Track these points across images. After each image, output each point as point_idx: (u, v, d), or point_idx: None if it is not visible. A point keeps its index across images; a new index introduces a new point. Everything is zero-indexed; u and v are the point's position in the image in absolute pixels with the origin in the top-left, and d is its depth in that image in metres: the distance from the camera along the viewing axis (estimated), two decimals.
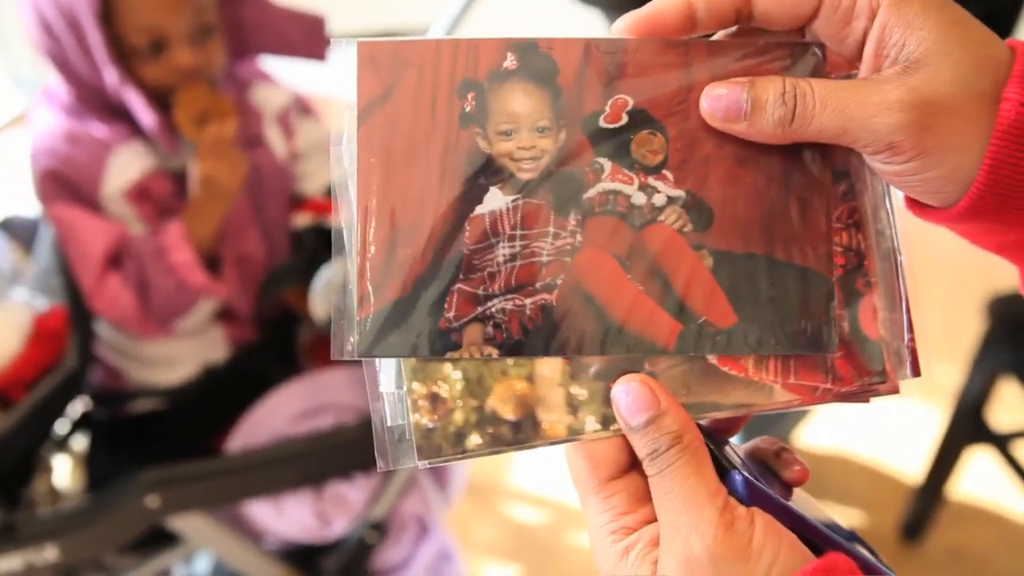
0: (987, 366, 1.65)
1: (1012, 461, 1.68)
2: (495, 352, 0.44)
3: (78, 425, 1.39)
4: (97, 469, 1.34)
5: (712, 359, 0.45)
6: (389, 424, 0.45)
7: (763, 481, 0.43)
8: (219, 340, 1.39)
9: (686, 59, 0.45)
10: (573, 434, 0.45)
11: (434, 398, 0.44)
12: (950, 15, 0.41)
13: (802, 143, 0.44)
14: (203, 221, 1.27)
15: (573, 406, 0.45)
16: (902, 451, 2.10)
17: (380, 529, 1.33)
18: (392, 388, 0.45)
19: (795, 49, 0.45)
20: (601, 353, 0.44)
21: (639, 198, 0.45)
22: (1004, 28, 1.35)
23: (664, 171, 0.45)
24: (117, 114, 1.27)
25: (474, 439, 0.44)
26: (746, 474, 0.43)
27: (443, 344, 0.44)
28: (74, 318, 1.25)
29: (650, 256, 0.45)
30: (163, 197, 1.30)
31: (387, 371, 0.45)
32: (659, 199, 0.45)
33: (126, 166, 1.27)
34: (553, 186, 0.44)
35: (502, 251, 0.44)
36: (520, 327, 0.44)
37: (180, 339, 1.36)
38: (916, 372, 0.46)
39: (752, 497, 0.42)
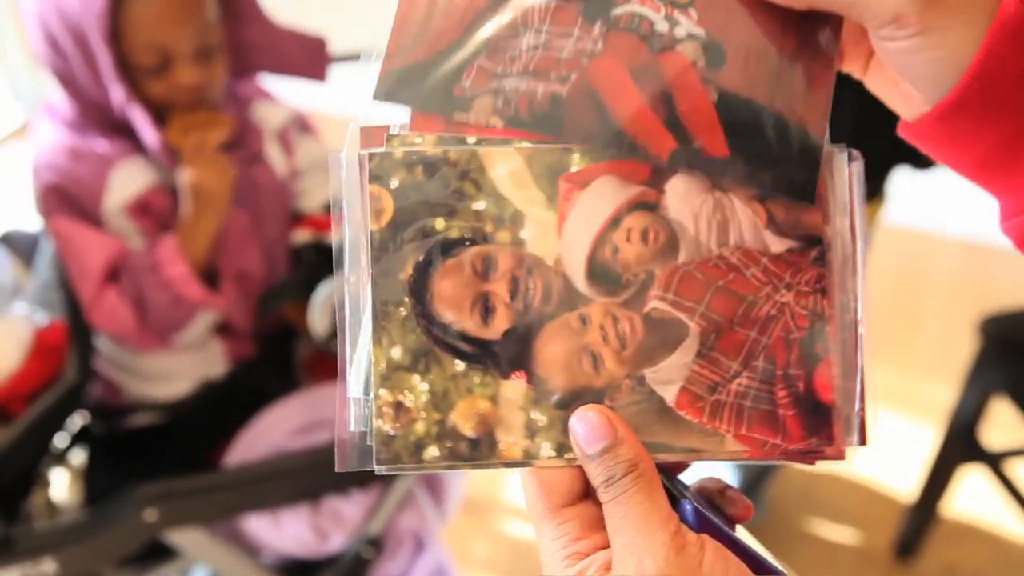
0: (980, 385, 1.66)
1: (1005, 479, 1.68)
2: (500, 124, 0.46)
3: (76, 439, 1.40)
4: (95, 483, 1.34)
5: (669, 402, 0.46)
6: (351, 429, 0.45)
7: (712, 512, 0.45)
8: (218, 355, 1.39)
9: None
10: (528, 458, 0.45)
11: (398, 407, 0.45)
12: None
13: (818, 24, 0.46)
14: (196, 233, 1.27)
15: (532, 431, 0.45)
16: (896, 469, 2.11)
17: (376, 544, 1.34)
18: (359, 394, 0.46)
19: None
20: (600, 149, 0.45)
21: (662, 26, 0.46)
22: None
23: (690, 9, 0.46)
24: (119, 130, 1.28)
25: (432, 451, 0.45)
26: (696, 504, 0.44)
27: (454, 105, 0.46)
28: (74, 332, 1.26)
29: (661, 77, 0.46)
30: (163, 212, 1.31)
31: (357, 376, 0.46)
32: (680, 31, 0.46)
33: (127, 181, 1.28)
34: None
35: (527, 40, 0.46)
36: (528, 109, 0.45)
37: (179, 354, 1.36)
38: (863, 441, 0.47)
39: (701, 525, 0.43)
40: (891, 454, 2.16)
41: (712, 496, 0.48)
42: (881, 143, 1.42)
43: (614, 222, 0.46)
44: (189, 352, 1.37)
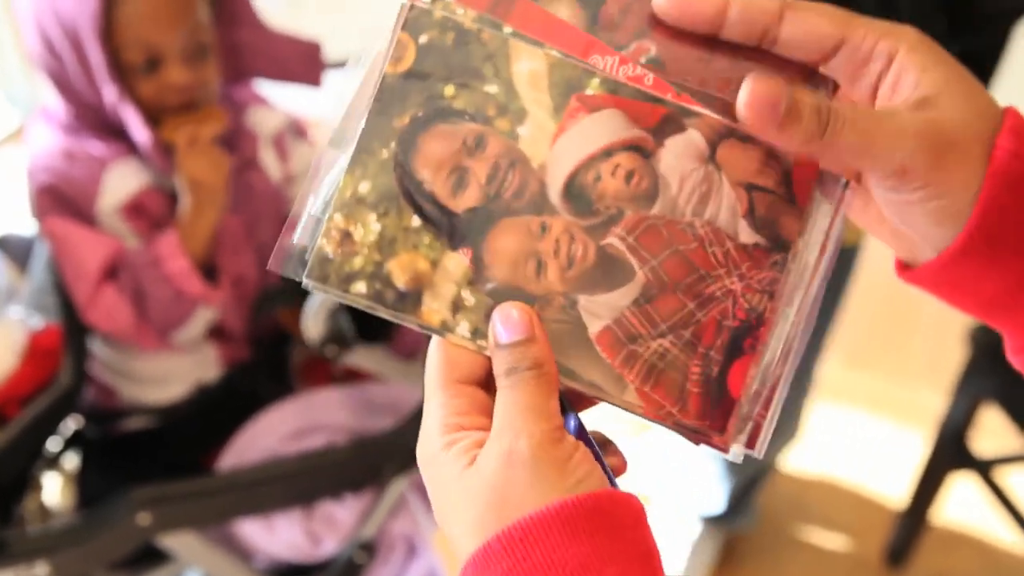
0: (970, 393, 1.67)
1: (995, 487, 1.69)
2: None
3: (70, 443, 1.40)
4: (88, 487, 1.34)
5: (591, 334, 0.47)
6: (296, 240, 0.47)
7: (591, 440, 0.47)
8: (212, 359, 1.40)
9: (711, 47, 0.47)
10: (444, 328, 0.46)
11: (346, 235, 0.46)
12: (955, 67, 0.45)
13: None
14: (196, 227, 1.28)
15: (456, 306, 0.46)
16: (886, 477, 2.12)
17: (369, 549, 1.34)
18: (317, 212, 0.47)
19: (814, 77, 0.47)
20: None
21: None
22: (977, 71, 1.38)
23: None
24: (113, 132, 1.28)
25: (360, 286, 0.46)
26: (581, 421, 0.46)
27: None
28: (69, 336, 1.26)
29: None
30: (157, 213, 1.32)
31: (320, 196, 0.47)
32: None
33: (121, 182, 1.29)
34: None
35: None
36: None
37: (173, 357, 1.36)
38: (751, 446, 0.47)
39: (579, 437, 0.45)
40: (881, 461, 2.17)
41: (597, 442, 0.49)
42: None
43: (606, 153, 0.47)
44: (183, 355, 1.37)
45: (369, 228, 0.46)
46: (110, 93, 1.22)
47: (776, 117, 0.43)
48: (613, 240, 0.47)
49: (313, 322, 1.17)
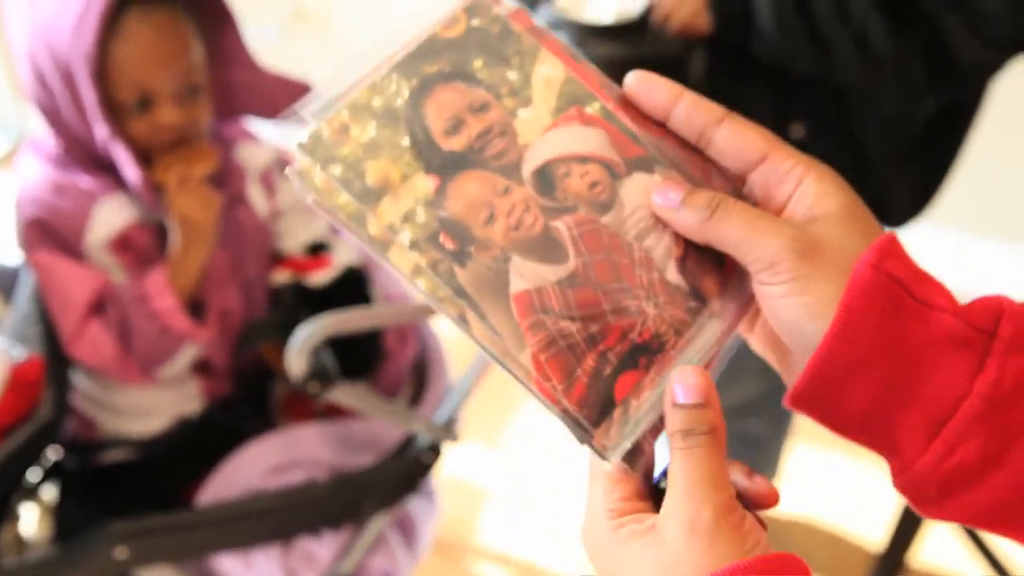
0: None
1: (971, 531, 1.70)
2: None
3: (48, 474, 1.39)
4: (66, 519, 1.34)
5: (510, 290, 0.50)
6: (309, 112, 0.51)
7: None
8: (194, 392, 1.40)
9: (665, 132, 0.55)
10: (390, 232, 0.50)
11: (345, 129, 0.51)
12: (852, 201, 0.51)
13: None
14: (185, 266, 1.29)
15: (408, 216, 0.50)
16: (864, 518, 2.13)
17: None
18: (326, 104, 0.52)
19: (737, 195, 0.53)
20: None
21: None
22: (962, 121, 1.40)
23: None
24: (102, 166, 1.29)
25: (335, 169, 0.50)
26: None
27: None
28: (51, 368, 1.26)
29: None
30: (145, 248, 1.32)
31: (335, 94, 0.52)
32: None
33: (110, 217, 1.29)
34: None
35: None
36: None
37: (155, 390, 1.36)
38: (632, 464, 0.50)
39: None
40: (860, 503, 2.17)
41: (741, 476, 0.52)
42: None
43: (583, 159, 0.54)
44: (166, 389, 1.37)
45: (365, 131, 0.52)
46: (101, 131, 1.22)
47: (674, 207, 0.52)
48: (560, 225, 0.52)
49: (296, 358, 1.17)
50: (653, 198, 0.53)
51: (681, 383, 0.48)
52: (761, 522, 0.48)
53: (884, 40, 1.20)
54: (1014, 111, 2.02)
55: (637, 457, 0.50)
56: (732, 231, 0.50)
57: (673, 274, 0.53)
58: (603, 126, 0.55)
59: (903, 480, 0.50)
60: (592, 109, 0.55)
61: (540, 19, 1.22)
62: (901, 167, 1.40)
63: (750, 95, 1.35)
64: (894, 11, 1.19)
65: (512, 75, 0.55)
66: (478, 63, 0.55)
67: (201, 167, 1.28)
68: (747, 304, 0.54)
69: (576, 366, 0.50)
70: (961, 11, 1.17)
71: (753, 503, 0.49)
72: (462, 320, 0.50)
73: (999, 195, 2.62)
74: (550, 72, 0.55)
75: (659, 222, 0.53)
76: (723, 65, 1.34)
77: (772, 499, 0.50)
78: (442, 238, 0.50)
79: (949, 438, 0.47)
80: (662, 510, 0.46)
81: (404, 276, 0.50)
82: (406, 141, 0.52)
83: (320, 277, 1.43)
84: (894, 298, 0.47)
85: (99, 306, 1.27)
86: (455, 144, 0.53)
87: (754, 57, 1.29)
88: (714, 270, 0.53)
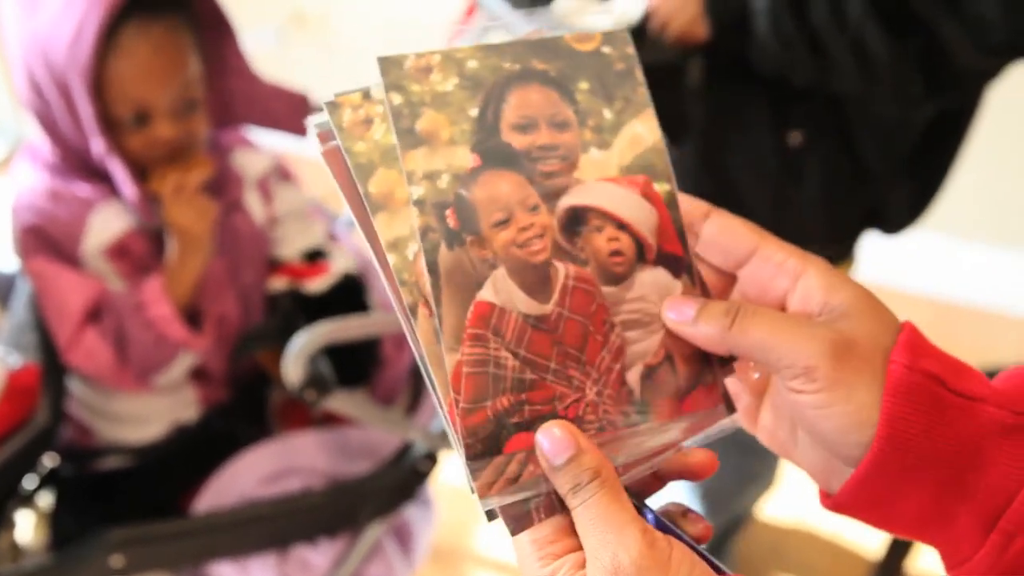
0: None
1: None
2: None
3: (44, 481, 1.39)
4: (62, 526, 1.33)
5: (478, 296, 0.49)
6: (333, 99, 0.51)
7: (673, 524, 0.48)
8: (191, 399, 1.39)
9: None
10: (409, 177, 0.50)
11: (428, 71, 0.52)
12: (859, 288, 0.49)
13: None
14: (181, 275, 1.29)
15: (434, 174, 0.50)
16: (862, 527, 2.12)
17: None
18: (378, 80, 0.51)
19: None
20: None
21: None
22: (959, 128, 1.40)
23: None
24: (99, 174, 1.29)
25: (397, 97, 0.51)
26: (657, 514, 0.48)
27: None
28: (47, 375, 1.26)
29: None
30: (142, 255, 1.32)
31: (469, 35, 0.54)
32: None
33: (106, 224, 1.29)
34: None
35: None
36: None
37: (152, 397, 1.36)
38: (505, 520, 0.48)
39: (662, 529, 0.47)
40: None
41: (674, 518, 0.50)
42: (851, 207, 1.45)
43: (622, 225, 0.52)
44: (162, 396, 1.37)
45: (446, 82, 0.52)
46: (98, 145, 1.22)
47: (690, 318, 0.50)
48: (561, 268, 0.51)
49: (293, 366, 1.17)
50: (666, 313, 0.51)
51: (547, 441, 0.47)
52: (695, 548, 0.46)
53: (881, 47, 1.20)
54: (1007, 117, 2.02)
55: (523, 524, 0.48)
56: (758, 337, 0.48)
57: (634, 377, 0.51)
58: (660, 208, 0.53)
59: (960, 573, 0.48)
60: (659, 188, 0.53)
61: (538, 25, 1.22)
62: (899, 174, 1.40)
63: (748, 103, 1.35)
64: (890, 18, 1.19)
65: (607, 114, 0.54)
66: (584, 85, 0.54)
67: (196, 175, 1.28)
68: (699, 427, 0.52)
69: (489, 397, 0.48)
70: (958, 18, 1.17)
71: (691, 539, 0.48)
72: (411, 312, 0.48)
73: (993, 201, 2.63)
74: (643, 133, 0.54)
75: (653, 324, 0.51)
76: (721, 73, 1.34)
77: (706, 536, 0.50)
78: (448, 212, 0.50)
79: (1007, 528, 0.45)
80: (586, 566, 0.45)
81: (378, 247, 0.49)
82: (474, 112, 0.52)
83: (317, 284, 1.43)
84: (935, 398, 0.45)
85: (95, 314, 1.27)
86: (516, 141, 0.52)
87: (752, 65, 1.29)
88: (676, 398, 0.51)
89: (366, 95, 0.51)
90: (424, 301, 0.49)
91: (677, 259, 0.52)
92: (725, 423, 0.52)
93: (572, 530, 0.47)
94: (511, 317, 0.49)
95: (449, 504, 2.02)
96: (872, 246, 1.61)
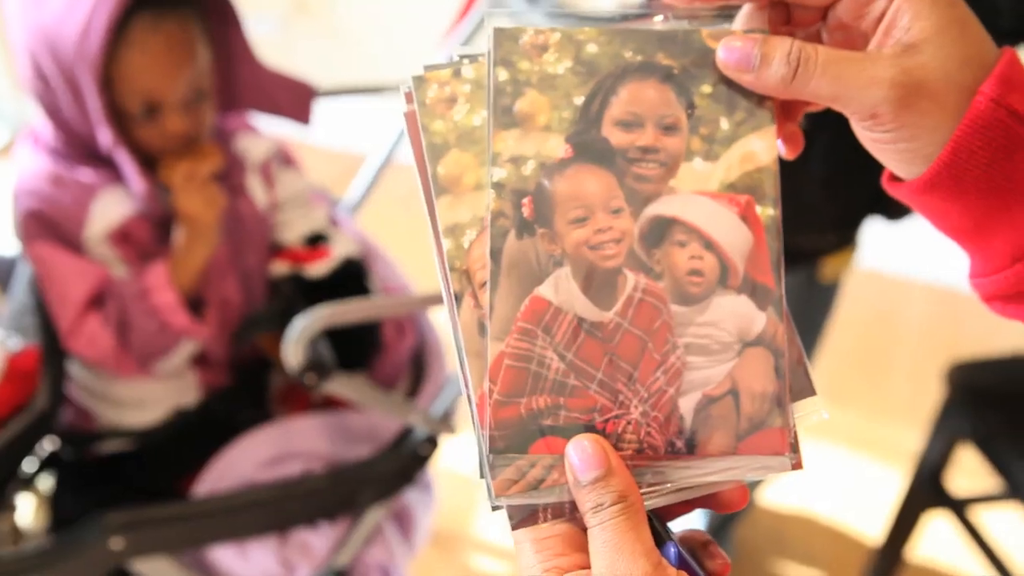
0: (946, 432, 1.68)
1: (969, 526, 1.70)
2: None
3: (45, 464, 1.39)
4: (62, 509, 1.34)
5: (537, 290, 0.48)
6: (421, 73, 0.50)
7: (693, 560, 0.46)
8: (192, 384, 1.39)
9: None
10: (495, 158, 0.49)
11: (543, 48, 0.50)
12: (954, 12, 0.46)
13: None
14: (187, 263, 1.28)
15: (519, 159, 0.49)
16: (863, 513, 2.13)
17: None
18: (457, 53, 0.51)
19: None
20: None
21: None
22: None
23: None
24: (102, 160, 1.28)
25: (504, 73, 0.50)
26: (680, 548, 0.45)
27: None
28: (47, 358, 1.26)
29: None
30: (145, 241, 1.32)
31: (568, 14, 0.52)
32: None
33: (109, 210, 1.28)
34: None
35: None
36: None
37: (152, 382, 1.36)
38: (490, 486, 0.48)
39: (682, 569, 0.45)
40: (859, 497, 2.17)
41: (694, 547, 0.49)
42: (854, 193, 1.44)
43: (709, 244, 0.49)
44: (163, 380, 1.37)
45: (558, 64, 0.50)
46: (105, 136, 1.21)
47: (749, 65, 0.48)
48: (631, 277, 0.48)
49: (293, 350, 1.17)
50: (721, 54, 0.49)
51: (578, 455, 0.46)
52: None
53: None
54: None
55: (528, 520, 0.47)
56: (822, 85, 0.47)
57: (687, 404, 0.47)
58: (758, 233, 0.49)
59: (980, 282, 0.50)
60: (762, 212, 0.49)
61: (540, 11, 1.21)
62: None
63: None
64: None
65: (724, 124, 0.50)
66: (707, 88, 0.50)
67: (207, 165, 1.27)
68: (753, 471, 0.48)
69: (525, 393, 0.47)
70: (970, 4, 1.17)
71: (707, 573, 0.48)
72: (456, 299, 0.47)
73: None
74: (758, 151, 0.50)
75: (723, 355, 0.48)
76: None
77: (724, 572, 0.48)
78: (526, 201, 0.48)
79: None
80: None
81: (435, 231, 0.48)
82: (580, 100, 0.50)
83: (318, 268, 1.43)
84: (1010, 135, 0.45)
85: (98, 300, 1.27)
86: (615, 138, 0.50)
87: None
88: (734, 437, 0.47)
89: (456, 73, 0.50)
90: (471, 292, 0.47)
91: (766, 291, 0.48)
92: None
93: (582, 545, 0.46)
94: (566, 319, 0.48)
95: (449, 489, 2.02)
96: (876, 232, 1.60)
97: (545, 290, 0.48)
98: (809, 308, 1.61)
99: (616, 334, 0.48)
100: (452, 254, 0.48)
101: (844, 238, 1.52)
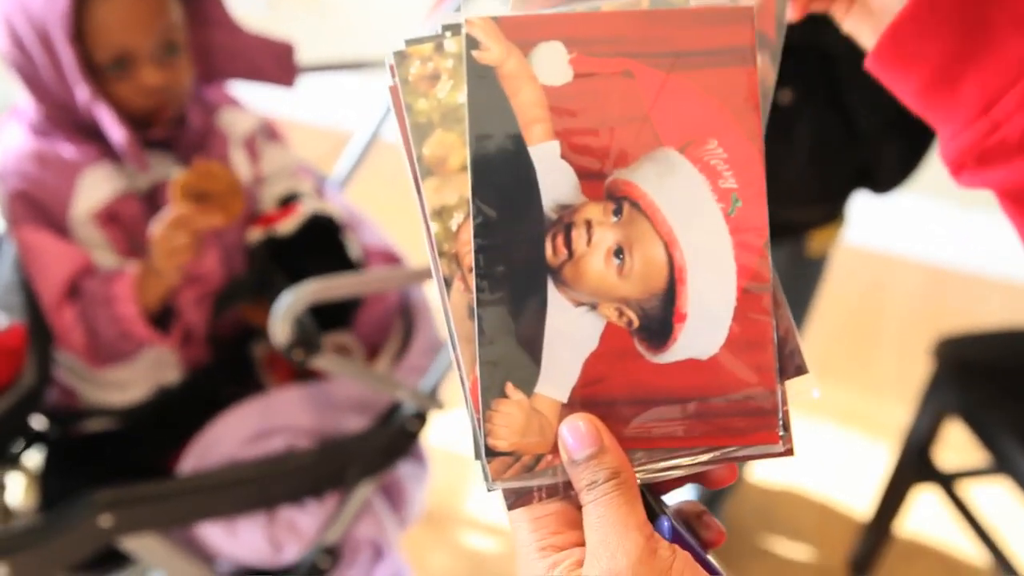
0: (934, 407, 1.69)
1: (957, 500, 1.71)
2: None
3: (32, 442, 1.39)
4: (50, 488, 1.33)
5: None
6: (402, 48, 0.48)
7: (687, 532, 0.47)
8: (173, 362, 1.38)
9: None
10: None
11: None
12: None
13: None
14: (154, 283, 1.26)
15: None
16: (852, 488, 2.14)
17: (333, 553, 1.34)
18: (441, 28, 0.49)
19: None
20: None
21: None
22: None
23: None
24: (86, 133, 1.27)
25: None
26: (674, 521, 0.46)
27: None
28: (34, 336, 1.25)
29: None
30: (132, 220, 1.31)
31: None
32: None
33: (95, 188, 1.27)
34: None
35: None
36: None
37: (133, 363, 1.35)
38: (487, 470, 0.48)
39: (676, 542, 0.45)
40: (847, 473, 2.18)
41: (689, 518, 0.50)
42: (841, 166, 1.45)
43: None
44: (143, 361, 1.36)
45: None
46: (83, 93, 1.21)
47: None
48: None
49: (280, 326, 1.16)
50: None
51: (571, 434, 0.47)
52: (704, 559, 0.46)
53: None
54: None
55: (523, 500, 0.47)
56: None
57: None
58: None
59: (949, 149, 0.52)
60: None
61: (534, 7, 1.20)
62: (889, 132, 1.39)
63: None
64: None
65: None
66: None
67: (208, 220, 1.24)
68: (745, 456, 0.49)
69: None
70: None
71: (701, 543, 0.48)
72: (446, 283, 0.47)
73: None
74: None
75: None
76: None
77: (719, 540, 0.49)
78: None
79: (996, 117, 0.49)
80: (584, 563, 0.45)
81: (423, 212, 0.47)
82: None
83: (285, 225, 1.41)
84: None
85: (75, 289, 1.25)
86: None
87: None
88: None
89: (438, 47, 0.48)
90: (461, 276, 0.47)
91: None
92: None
93: (577, 523, 0.47)
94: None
95: (441, 466, 2.03)
96: (863, 208, 1.60)
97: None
98: (797, 283, 1.61)
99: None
100: (440, 237, 0.47)
101: (831, 212, 1.52)
